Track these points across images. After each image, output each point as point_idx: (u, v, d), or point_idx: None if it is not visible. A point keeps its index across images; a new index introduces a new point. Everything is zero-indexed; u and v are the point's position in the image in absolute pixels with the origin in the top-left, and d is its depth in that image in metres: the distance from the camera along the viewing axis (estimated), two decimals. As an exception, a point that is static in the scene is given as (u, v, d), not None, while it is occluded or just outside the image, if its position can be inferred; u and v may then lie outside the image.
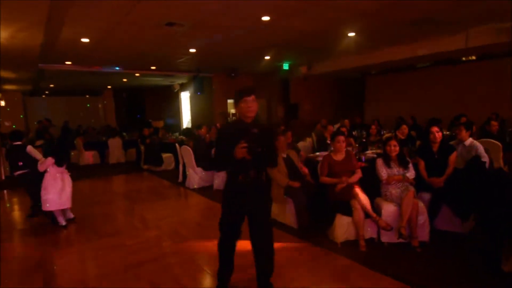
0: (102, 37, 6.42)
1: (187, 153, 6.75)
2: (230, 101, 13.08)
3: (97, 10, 4.90)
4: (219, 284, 2.74)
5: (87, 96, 17.30)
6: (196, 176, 6.69)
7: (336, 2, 4.88)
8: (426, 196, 3.88)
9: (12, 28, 5.25)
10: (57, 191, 4.55)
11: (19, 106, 14.33)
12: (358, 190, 3.62)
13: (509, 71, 8.72)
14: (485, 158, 4.21)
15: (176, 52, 8.29)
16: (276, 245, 3.68)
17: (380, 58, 8.98)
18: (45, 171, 4.61)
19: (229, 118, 13.05)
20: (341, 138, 3.93)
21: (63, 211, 4.74)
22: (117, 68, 10.28)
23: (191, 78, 12.35)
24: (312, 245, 3.68)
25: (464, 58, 9.41)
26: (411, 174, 3.75)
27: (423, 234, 3.54)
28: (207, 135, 7.55)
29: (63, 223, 4.63)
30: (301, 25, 6.08)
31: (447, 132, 6.42)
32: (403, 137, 5.44)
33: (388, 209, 3.59)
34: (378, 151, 5.23)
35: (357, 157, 4.52)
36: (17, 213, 5.74)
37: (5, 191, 7.27)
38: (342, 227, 3.62)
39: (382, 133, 7.59)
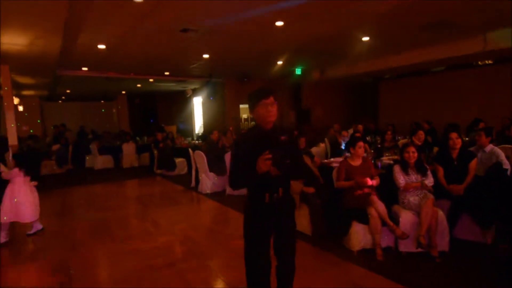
0: (117, 44, 6.53)
1: (200, 158, 6.77)
2: (242, 106, 13.12)
3: (114, 17, 4.99)
4: None
5: (102, 101, 17.62)
6: (209, 181, 6.69)
7: (350, 6, 4.84)
8: (445, 204, 3.77)
9: (31, 35, 5.40)
10: (12, 203, 4.32)
11: (37, 111, 14.69)
12: (374, 198, 3.54)
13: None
14: (507, 165, 4.07)
15: (189, 57, 8.37)
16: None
17: (394, 63, 8.86)
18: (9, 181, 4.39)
19: (241, 123, 13.07)
20: (361, 143, 3.87)
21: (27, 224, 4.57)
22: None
23: (203, 83, 12.44)
24: (328, 253, 3.61)
25: (480, 62, 9.20)
26: (429, 181, 3.65)
27: (443, 243, 3.43)
28: (221, 140, 7.56)
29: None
30: (314, 30, 6.06)
31: (466, 138, 6.25)
32: (419, 143, 5.31)
33: (407, 217, 3.50)
34: (394, 157, 5.13)
35: (373, 162, 4.43)
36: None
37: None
38: (358, 235, 3.54)
39: (396, 138, 7.47)
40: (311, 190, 3.97)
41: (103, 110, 17.83)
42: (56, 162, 10.05)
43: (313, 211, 3.87)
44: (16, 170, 4.40)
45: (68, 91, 14.00)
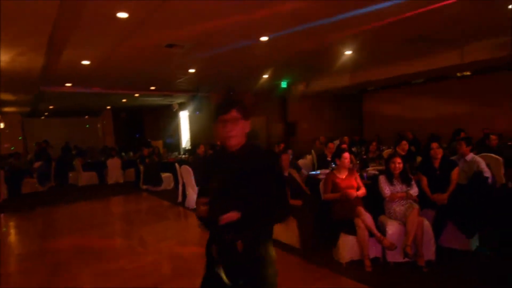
0: (102, 59, 6.49)
1: (186, 173, 6.71)
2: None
3: (99, 34, 4.98)
4: None
5: (86, 116, 17.37)
6: (195, 195, 6.60)
7: (334, 22, 4.97)
8: (430, 213, 3.84)
9: (13, 52, 5.33)
10: None
11: (18, 128, 14.35)
12: (361, 209, 3.57)
13: (504, 85, 8.82)
14: (487, 173, 4.19)
15: (175, 72, 8.38)
16: (279, 266, 3.61)
17: (377, 75, 9.09)
18: None
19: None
20: (347, 154, 3.92)
21: None
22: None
23: (190, 97, 12.44)
24: (317, 265, 3.60)
25: (458, 74, 9.54)
26: (414, 191, 3.72)
27: (429, 252, 3.47)
28: (208, 154, 7.52)
29: None
30: (299, 44, 6.18)
31: (445, 146, 6.42)
32: (403, 153, 5.43)
33: (393, 227, 3.54)
34: (379, 167, 5.21)
35: (358, 173, 4.49)
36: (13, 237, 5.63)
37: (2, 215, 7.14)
38: (347, 247, 3.55)
39: (381, 149, 7.61)
40: (298, 202, 3.98)
41: (87, 126, 17.56)
42: (38, 179, 9.76)
43: (301, 224, 3.87)
44: None
45: (51, 106, 13.76)
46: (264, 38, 5.60)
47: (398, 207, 3.63)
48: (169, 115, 16.05)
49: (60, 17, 4.08)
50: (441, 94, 10.41)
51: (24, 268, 4.15)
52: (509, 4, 4.54)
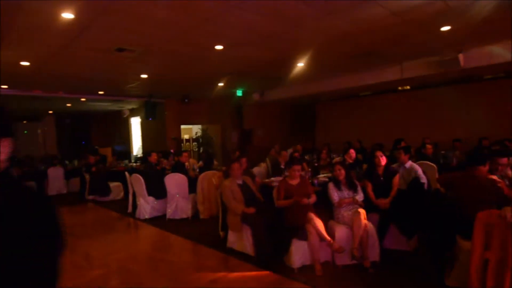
0: (44, 61, 6.05)
1: (137, 182, 6.44)
2: (183, 126, 12.91)
3: (41, 34, 4.64)
4: None
5: (24, 121, 15.91)
6: (147, 205, 6.37)
7: (286, 35, 5.16)
8: (375, 217, 4.09)
9: None
10: None
11: None
12: (312, 215, 3.70)
13: (441, 99, 9.76)
14: (424, 179, 4.59)
15: (126, 77, 8.06)
16: (233, 275, 3.60)
17: (327, 87, 9.57)
18: None
19: (182, 145, 12.80)
20: (297, 167, 4.03)
21: None
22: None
23: (142, 103, 12.01)
24: (270, 272, 3.64)
25: (400, 88, 10.38)
26: (360, 196, 3.95)
27: (374, 254, 3.69)
28: (161, 162, 7.32)
29: None
30: (253, 55, 6.30)
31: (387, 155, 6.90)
32: (351, 161, 5.74)
33: (341, 231, 3.71)
34: (330, 175, 5.45)
35: (310, 181, 4.66)
36: None
37: None
38: (298, 252, 3.65)
39: (332, 157, 7.96)
40: (251, 210, 4.01)
41: (25, 132, 16.09)
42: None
43: (255, 231, 3.90)
44: None
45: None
46: (219, 47, 5.63)
47: (345, 212, 3.83)
48: (119, 122, 15.32)
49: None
50: (386, 106, 11.22)
51: None
52: (441, 27, 5.07)
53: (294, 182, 4.03)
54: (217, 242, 4.66)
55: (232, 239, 4.36)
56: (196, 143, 13.03)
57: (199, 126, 13.18)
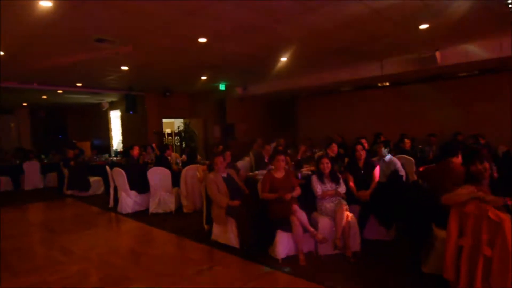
0: (18, 50, 5.81)
1: (119, 176, 6.32)
2: (165, 120, 12.73)
3: (14, 20, 4.44)
4: None
5: (-4, 114, 15.19)
6: (129, 200, 6.28)
7: (268, 29, 5.18)
8: (356, 208, 4.21)
9: None
10: None
11: None
12: (296, 207, 3.77)
13: (417, 95, 10.06)
14: (402, 172, 4.76)
15: (106, 69, 7.85)
16: (219, 267, 3.64)
17: (309, 82, 9.68)
18: None
19: (164, 139, 12.63)
20: (281, 157, 4.10)
21: None
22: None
23: (122, 96, 11.74)
24: (254, 263, 3.69)
25: (380, 84, 10.63)
26: (342, 188, 4.05)
27: (355, 244, 3.82)
28: (142, 156, 7.20)
29: None
30: (236, 49, 6.28)
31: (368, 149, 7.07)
32: (333, 155, 5.85)
33: (324, 222, 3.81)
34: (312, 168, 5.54)
35: (294, 174, 4.72)
36: None
37: None
38: (283, 243, 3.72)
39: (314, 151, 8.08)
40: (236, 203, 4.04)
41: (-2, 125, 15.37)
42: None
43: (239, 223, 3.94)
44: None
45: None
46: (202, 40, 5.58)
47: (328, 204, 3.93)
48: (98, 115, 14.91)
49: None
50: (366, 101, 11.45)
51: None
52: (420, 25, 5.22)
53: (279, 175, 4.09)
54: (201, 236, 4.66)
55: (217, 232, 4.38)
56: (178, 137, 12.87)
57: (181, 120, 13.04)
